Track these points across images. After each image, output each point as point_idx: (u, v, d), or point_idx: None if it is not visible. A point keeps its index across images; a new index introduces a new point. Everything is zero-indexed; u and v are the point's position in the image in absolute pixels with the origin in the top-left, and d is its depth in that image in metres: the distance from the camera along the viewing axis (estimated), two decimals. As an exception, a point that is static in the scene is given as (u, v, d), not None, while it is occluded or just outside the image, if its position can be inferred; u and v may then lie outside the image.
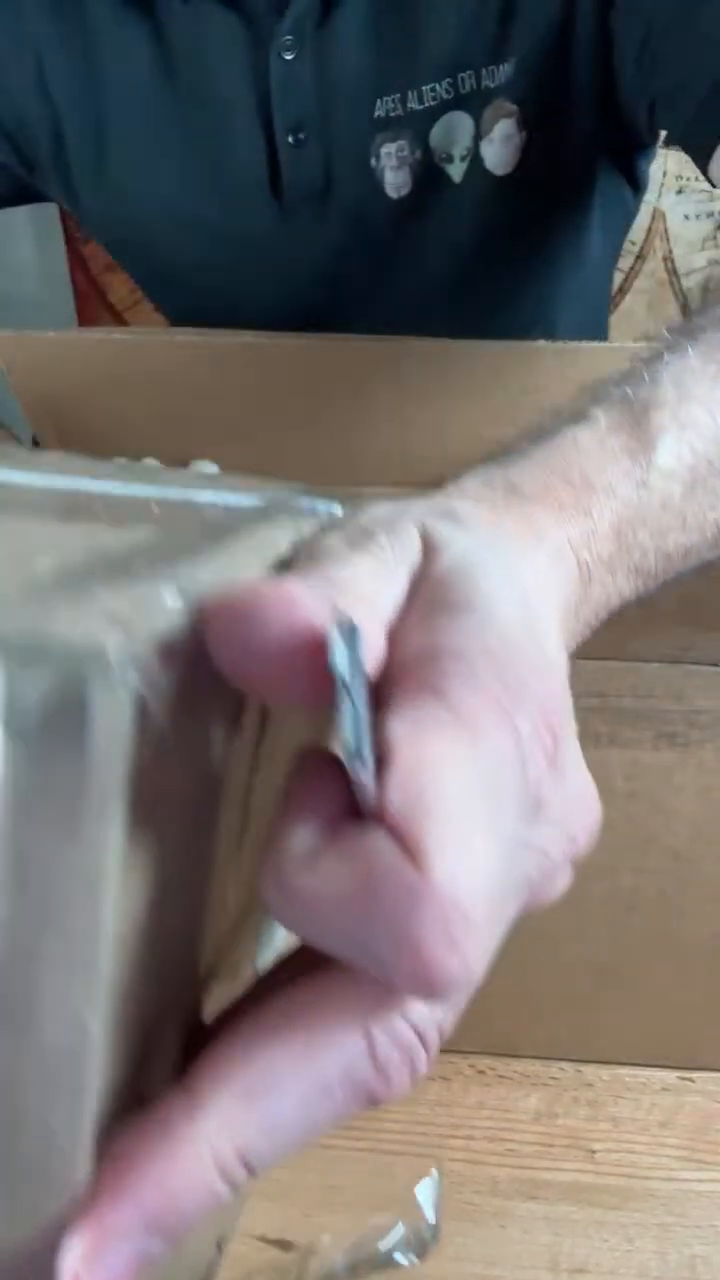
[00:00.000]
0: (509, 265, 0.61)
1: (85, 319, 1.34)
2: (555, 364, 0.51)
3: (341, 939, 0.13)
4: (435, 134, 0.55)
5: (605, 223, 0.63)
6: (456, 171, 0.56)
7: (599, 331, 0.74)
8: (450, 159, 0.55)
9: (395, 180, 0.56)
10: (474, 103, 0.54)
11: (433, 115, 0.54)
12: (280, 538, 0.17)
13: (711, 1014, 0.44)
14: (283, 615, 0.13)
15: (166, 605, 0.13)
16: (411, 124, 0.54)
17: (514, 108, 0.54)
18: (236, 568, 0.15)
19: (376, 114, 0.54)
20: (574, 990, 0.43)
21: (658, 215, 1.19)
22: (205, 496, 0.19)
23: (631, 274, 1.24)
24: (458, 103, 0.54)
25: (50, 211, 1.24)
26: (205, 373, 0.52)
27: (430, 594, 0.15)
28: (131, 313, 1.33)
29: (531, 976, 0.42)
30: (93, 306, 1.34)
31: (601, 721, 0.37)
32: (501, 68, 0.53)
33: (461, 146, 0.55)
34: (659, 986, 0.43)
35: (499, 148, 0.55)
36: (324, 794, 0.14)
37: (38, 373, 0.54)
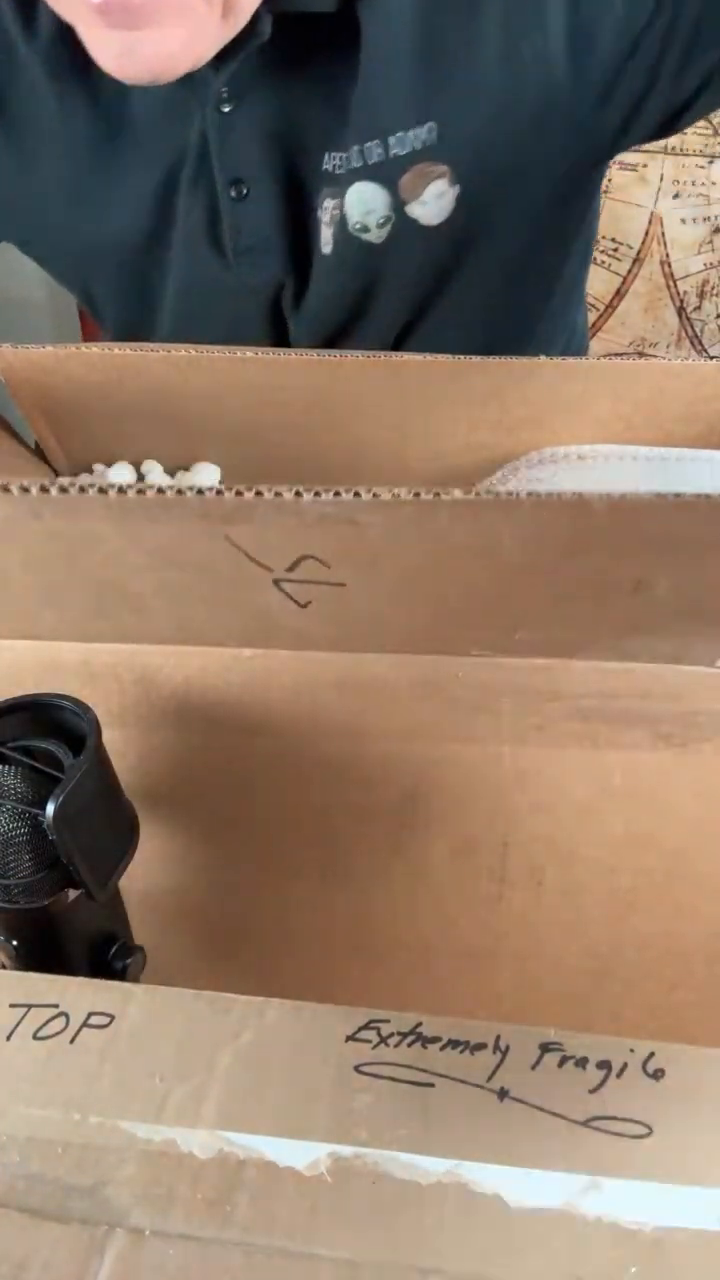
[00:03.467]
0: (457, 309, 0.61)
1: (88, 321, 1.35)
2: (554, 378, 0.52)
3: None
4: (349, 201, 0.54)
5: (568, 233, 0.63)
6: (375, 236, 0.55)
7: (575, 333, 0.74)
8: (366, 229, 0.55)
9: (325, 235, 0.56)
10: (384, 172, 0.53)
11: (343, 182, 0.53)
12: None
13: (711, 1014, 0.44)
14: None
15: None
16: (335, 184, 0.54)
17: (443, 168, 0.53)
18: None
19: (324, 167, 0.53)
20: (571, 990, 0.43)
21: (655, 219, 1.19)
22: None
23: (629, 277, 1.24)
24: (365, 173, 0.53)
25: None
26: (203, 387, 0.53)
27: None
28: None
29: (528, 976, 0.43)
30: (95, 311, 1.35)
31: (600, 722, 0.38)
32: (415, 133, 0.51)
33: (376, 217, 0.54)
34: (657, 987, 0.43)
35: (431, 207, 0.54)
36: None
37: (36, 384, 0.54)
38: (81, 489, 0.30)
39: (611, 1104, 0.23)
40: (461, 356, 0.51)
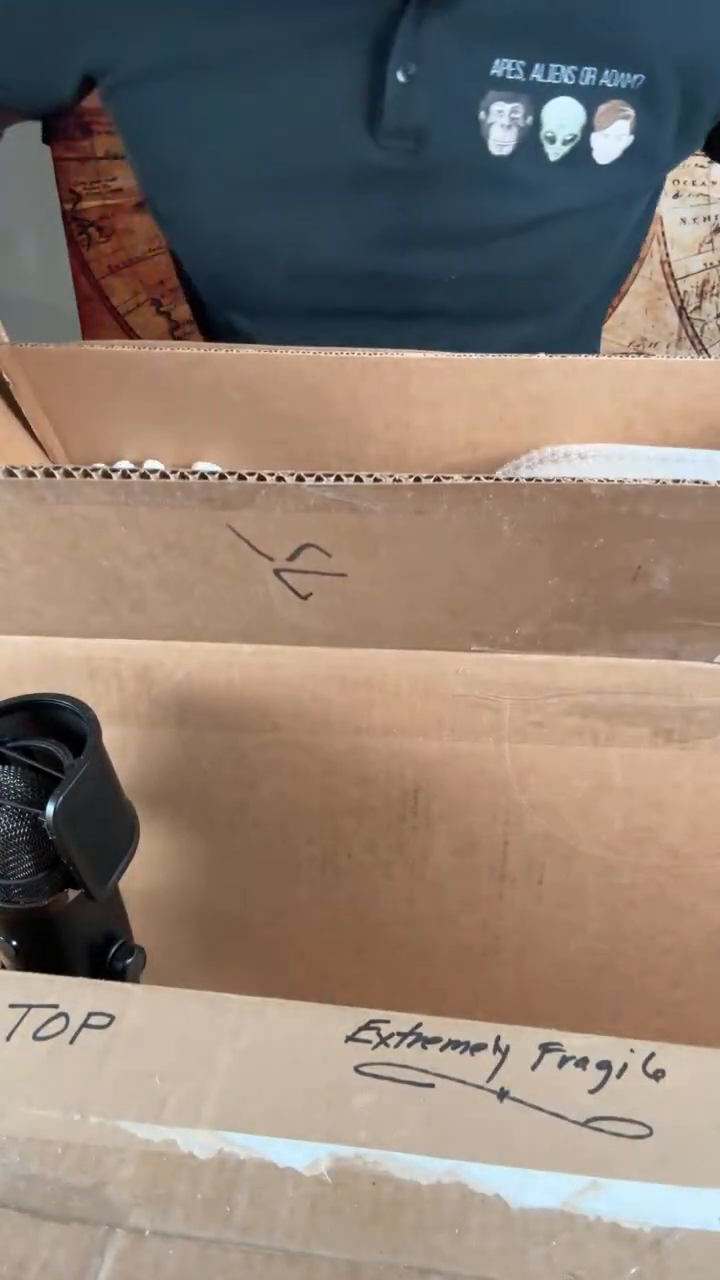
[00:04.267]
0: (576, 243, 0.65)
1: (88, 322, 1.35)
2: (555, 377, 0.52)
3: None
4: (549, 111, 0.58)
5: (644, 229, 0.70)
6: (554, 152, 0.59)
7: (597, 333, 0.76)
8: (554, 140, 0.59)
9: (501, 138, 0.59)
10: (590, 96, 0.58)
11: (551, 92, 0.57)
12: None
13: (712, 1012, 0.44)
14: None
15: None
16: (530, 91, 0.58)
17: (631, 113, 0.58)
18: None
19: (493, 71, 0.57)
20: (572, 988, 0.43)
21: (655, 219, 1.19)
22: None
23: (629, 277, 1.24)
24: (575, 91, 0.57)
25: (54, 216, 1.24)
26: (205, 386, 0.53)
27: None
28: (133, 316, 1.34)
29: (529, 974, 0.43)
30: (96, 310, 1.35)
31: (599, 719, 0.38)
32: (626, 75, 0.57)
33: (567, 132, 0.59)
34: (658, 984, 0.43)
35: (611, 143, 0.59)
36: None
37: (36, 384, 0.54)
38: (85, 473, 0.30)
39: (611, 1104, 0.23)
40: (462, 355, 0.51)
